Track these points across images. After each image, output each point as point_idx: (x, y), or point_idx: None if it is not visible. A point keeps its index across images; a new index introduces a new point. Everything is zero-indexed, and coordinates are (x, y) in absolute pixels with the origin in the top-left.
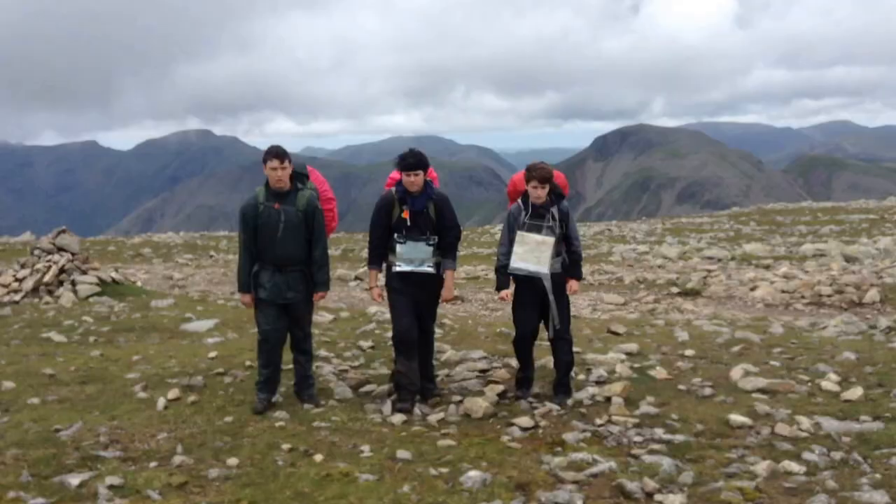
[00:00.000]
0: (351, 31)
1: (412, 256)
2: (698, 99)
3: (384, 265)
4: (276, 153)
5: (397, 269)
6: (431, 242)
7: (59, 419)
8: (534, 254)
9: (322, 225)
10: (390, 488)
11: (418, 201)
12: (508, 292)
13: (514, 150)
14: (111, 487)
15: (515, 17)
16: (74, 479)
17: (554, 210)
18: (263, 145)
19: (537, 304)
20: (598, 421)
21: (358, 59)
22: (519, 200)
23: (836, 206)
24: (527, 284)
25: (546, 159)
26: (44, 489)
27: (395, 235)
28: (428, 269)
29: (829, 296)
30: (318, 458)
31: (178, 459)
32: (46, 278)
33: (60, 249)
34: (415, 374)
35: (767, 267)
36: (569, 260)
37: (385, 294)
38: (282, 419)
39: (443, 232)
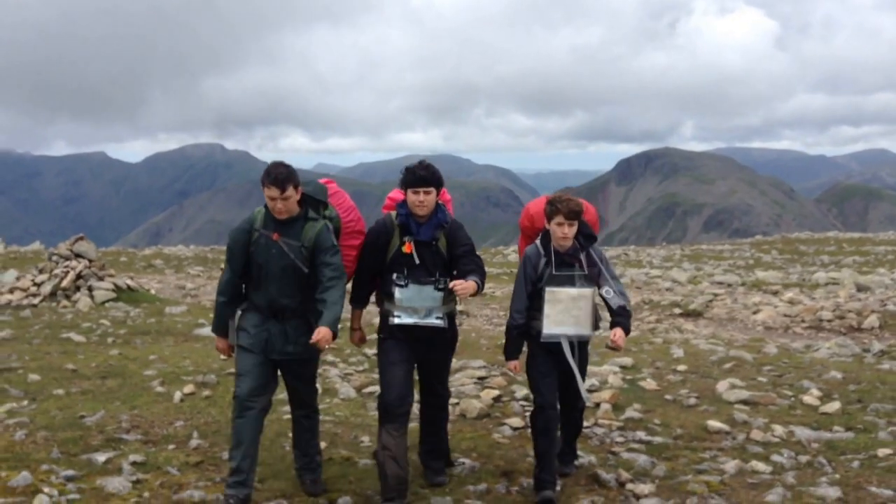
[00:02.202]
0: (377, 46)
1: (416, 305)
2: (731, 123)
3: (380, 313)
4: (276, 180)
5: (396, 321)
6: (441, 286)
7: (84, 408)
8: (570, 313)
9: (338, 263)
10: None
11: (426, 230)
12: (518, 364)
13: (534, 172)
14: (134, 464)
15: (548, 34)
16: (101, 457)
17: (583, 257)
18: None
19: (559, 369)
20: (585, 423)
21: (382, 74)
22: (537, 243)
23: (864, 237)
24: (546, 347)
25: (567, 182)
26: (73, 464)
27: (395, 276)
28: (437, 322)
29: (829, 320)
30: (322, 445)
31: (194, 443)
32: (64, 283)
33: (78, 256)
34: (403, 454)
35: (776, 293)
36: (614, 309)
37: (370, 339)
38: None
39: (459, 259)
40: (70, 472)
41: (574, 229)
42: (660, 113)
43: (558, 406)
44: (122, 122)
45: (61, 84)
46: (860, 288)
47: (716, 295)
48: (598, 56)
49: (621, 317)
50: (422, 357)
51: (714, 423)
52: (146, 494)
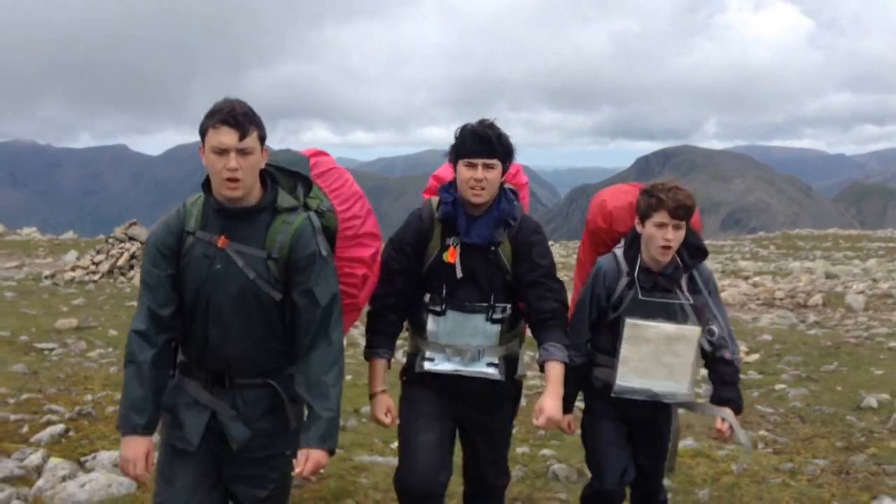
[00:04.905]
0: (411, 40)
1: (458, 342)
2: (754, 121)
3: (407, 350)
4: (231, 116)
5: (427, 367)
6: (498, 315)
7: None
8: (661, 360)
9: (331, 294)
10: (396, 394)
11: (480, 228)
12: (573, 419)
13: (552, 168)
14: None
15: (583, 28)
16: None
17: (685, 280)
18: None
19: (627, 435)
20: None
21: (412, 68)
22: (617, 253)
23: (861, 233)
24: (617, 404)
25: (586, 179)
26: None
27: (427, 298)
28: (488, 370)
29: (781, 298)
30: (348, 378)
31: None
32: (120, 262)
33: (131, 238)
34: None
35: (747, 278)
36: (719, 373)
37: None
38: None
39: (532, 287)
40: None
41: (681, 235)
42: (685, 110)
43: (626, 477)
44: (148, 116)
45: (96, 80)
46: (829, 276)
47: None
48: (633, 50)
49: (730, 386)
50: (467, 421)
51: None
52: None
